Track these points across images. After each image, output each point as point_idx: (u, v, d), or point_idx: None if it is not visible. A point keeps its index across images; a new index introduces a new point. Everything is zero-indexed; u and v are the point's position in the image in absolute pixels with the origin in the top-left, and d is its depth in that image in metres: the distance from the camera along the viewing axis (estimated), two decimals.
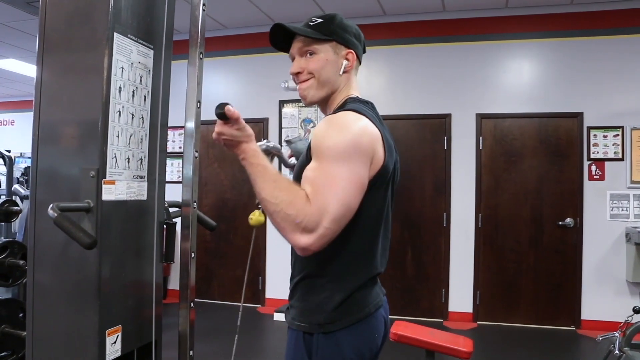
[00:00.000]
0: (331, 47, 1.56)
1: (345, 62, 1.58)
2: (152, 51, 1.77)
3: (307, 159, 1.44)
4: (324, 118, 1.48)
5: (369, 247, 1.49)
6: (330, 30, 1.56)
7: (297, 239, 1.35)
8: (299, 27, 1.57)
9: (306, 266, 1.51)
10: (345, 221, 1.36)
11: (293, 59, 1.63)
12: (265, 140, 1.92)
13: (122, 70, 1.63)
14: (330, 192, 1.33)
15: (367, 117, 1.43)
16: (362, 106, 1.50)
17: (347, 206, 1.34)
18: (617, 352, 2.81)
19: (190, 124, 1.70)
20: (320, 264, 1.46)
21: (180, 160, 6.38)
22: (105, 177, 1.56)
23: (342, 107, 1.51)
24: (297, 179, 1.49)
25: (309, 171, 1.39)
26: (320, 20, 1.56)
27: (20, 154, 7.82)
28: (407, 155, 5.75)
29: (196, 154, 1.69)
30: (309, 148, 1.45)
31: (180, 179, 1.75)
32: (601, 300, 5.34)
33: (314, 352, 1.44)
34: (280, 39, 1.64)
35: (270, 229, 6.27)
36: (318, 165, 1.37)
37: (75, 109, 1.63)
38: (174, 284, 6.32)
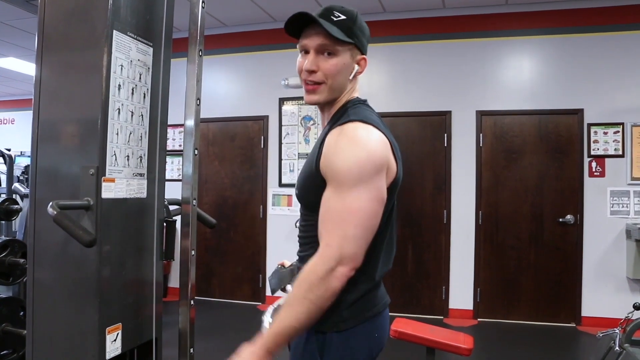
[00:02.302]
0: (349, 51, 1.47)
1: (357, 67, 1.51)
2: (151, 49, 1.77)
3: (317, 170, 1.40)
4: (333, 132, 1.41)
5: (379, 248, 1.48)
6: (352, 32, 1.46)
7: (340, 276, 1.31)
8: (327, 23, 1.42)
9: None
10: (372, 233, 1.37)
11: (304, 51, 1.50)
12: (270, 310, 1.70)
13: (122, 68, 1.63)
14: (350, 220, 1.32)
15: (374, 125, 1.40)
16: (366, 112, 1.48)
17: (369, 226, 1.35)
18: (617, 348, 2.81)
19: (190, 122, 1.69)
20: None
21: (180, 158, 6.38)
22: (104, 175, 1.56)
23: (345, 112, 1.47)
24: (302, 189, 1.49)
25: (326, 201, 1.36)
26: (343, 16, 1.45)
27: (21, 152, 7.81)
28: (408, 153, 5.75)
29: (196, 152, 1.69)
30: (317, 160, 1.41)
31: (180, 177, 1.75)
32: (601, 297, 5.34)
33: (326, 351, 1.43)
34: (296, 25, 1.49)
35: (271, 226, 6.27)
36: (335, 193, 1.35)
37: (74, 107, 1.63)
38: (174, 281, 6.32)
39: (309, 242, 1.49)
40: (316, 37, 1.44)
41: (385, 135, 1.41)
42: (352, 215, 1.32)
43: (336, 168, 1.34)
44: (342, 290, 1.36)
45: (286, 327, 1.32)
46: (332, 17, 1.44)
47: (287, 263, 1.74)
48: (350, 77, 1.50)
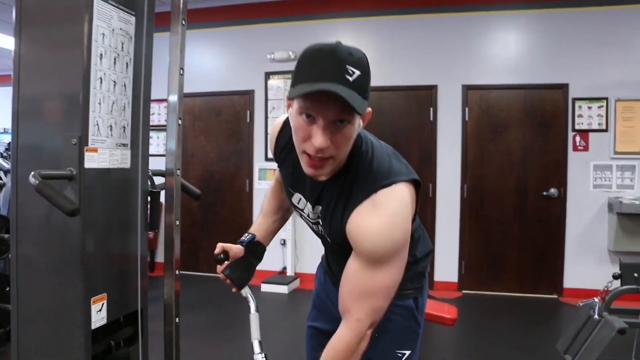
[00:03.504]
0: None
1: (361, 123, 1.30)
2: (133, 17, 1.75)
3: (345, 234, 1.34)
4: (365, 206, 1.29)
5: (420, 231, 1.68)
6: (367, 91, 1.22)
7: (368, 337, 1.36)
8: (348, 91, 1.15)
9: None
10: None
11: (305, 114, 1.21)
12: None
13: (103, 37, 1.61)
14: (380, 295, 1.33)
15: (402, 177, 1.34)
16: (383, 153, 1.39)
17: (395, 289, 1.37)
18: (596, 317, 2.87)
19: (173, 91, 1.68)
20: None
21: (166, 133, 6.36)
22: (87, 145, 1.55)
23: (362, 164, 1.34)
24: (343, 242, 1.38)
25: (354, 274, 1.33)
26: (357, 71, 1.17)
27: (4, 129, 7.73)
28: (394, 127, 5.75)
29: (179, 121, 1.69)
30: (343, 225, 1.34)
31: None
32: (583, 269, 5.43)
33: (419, 309, 1.65)
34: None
35: (258, 199, 6.28)
36: (365, 269, 1.30)
37: (55, 78, 1.61)
38: (161, 257, 6.33)
39: None
40: (333, 107, 1.17)
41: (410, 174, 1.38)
42: (382, 291, 1.33)
43: (369, 250, 1.29)
44: (420, 269, 1.64)
45: None
46: (347, 75, 1.16)
47: (230, 247, 1.69)
48: (355, 136, 1.30)
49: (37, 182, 1.38)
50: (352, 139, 1.27)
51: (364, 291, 1.32)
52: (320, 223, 1.46)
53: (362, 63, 1.19)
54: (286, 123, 1.51)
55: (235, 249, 1.69)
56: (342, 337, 1.34)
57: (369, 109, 1.27)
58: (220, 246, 1.67)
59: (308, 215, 1.51)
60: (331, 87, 1.13)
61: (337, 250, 1.49)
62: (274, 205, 1.84)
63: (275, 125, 1.59)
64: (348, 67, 1.16)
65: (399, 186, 1.31)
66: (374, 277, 1.30)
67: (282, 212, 1.84)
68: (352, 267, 1.33)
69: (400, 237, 1.29)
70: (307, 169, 1.29)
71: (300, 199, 1.51)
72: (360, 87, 1.17)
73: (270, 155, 6.21)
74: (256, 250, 1.75)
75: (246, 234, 1.75)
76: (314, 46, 1.22)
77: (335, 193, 1.36)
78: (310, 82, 1.16)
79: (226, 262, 1.68)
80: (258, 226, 1.81)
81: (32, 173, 1.39)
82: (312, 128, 1.21)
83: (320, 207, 1.43)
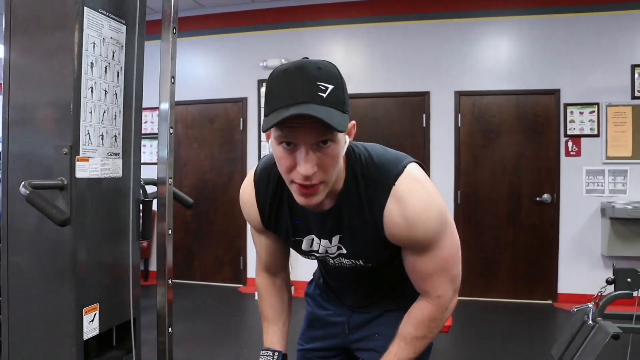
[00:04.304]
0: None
1: (348, 139, 1.23)
2: (124, 26, 1.75)
3: (387, 242, 1.32)
4: (391, 204, 1.26)
5: None
6: (346, 104, 1.14)
7: (454, 306, 1.43)
8: (325, 110, 1.08)
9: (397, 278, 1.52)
10: None
11: (285, 143, 1.14)
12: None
13: (94, 46, 1.60)
14: (451, 266, 1.37)
15: (405, 160, 1.32)
16: (375, 149, 1.36)
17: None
18: (590, 322, 2.87)
19: (165, 100, 1.68)
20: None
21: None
22: (78, 154, 1.54)
23: (366, 167, 1.30)
24: (373, 258, 1.40)
25: (422, 264, 1.34)
26: (329, 85, 1.10)
27: None
28: (386, 133, 5.76)
29: (171, 130, 1.68)
30: (383, 234, 1.30)
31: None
32: (577, 274, 5.44)
33: None
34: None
35: None
36: (428, 255, 1.31)
37: (46, 87, 1.61)
38: (154, 266, 6.30)
39: (384, 288, 1.58)
40: (312, 130, 1.09)
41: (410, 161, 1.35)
42: (449, 263, 1.36)
43: (420, 239, 1.29)
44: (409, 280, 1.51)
45: None
46: (319, 92, 1.09)
47: None
48: (344, 154, 1.24)
49: (28, 192, 1.37)
50: (339, 158, 1.19)
51: (432, 273, 1.34)
52: (345, 252, 1.39)
53: (333, 75, 1.12)
54: (259, 182, 1.42)
55: None
56: (425, 309, 1.38)
57: (353, 122, 1.23)
58: None
59: (326, 252, 1.42)
60: (305, 109, 1.06)
61: (366, 272, 1.47)
62: (276, 305, 1.64)
63: (245, 193, 1.47)
64: (319, 83, 1.09)
65: (409, 167, 1.31)
66: (434, 258, 1.32)
67: (287, 309, 1.66)
68: (410, 261, 1.35)
69: (438, 211, 1.29)
70: (299, 199, 1.21)
71: (312, 241, 1.42)
72: (336, 101, 1.11)
73: None
74: None
75: (271, 353, 1.54)
76: (279, 68, 1.15)
77: (353, 209, 1.31)
78: (282, 108, 1.08)
79: None
80: (273, 337, 1.60)
81: (23, 183, 1.39)
82: (295, 156, 1.13)
83: (338, 236, 1.36)
